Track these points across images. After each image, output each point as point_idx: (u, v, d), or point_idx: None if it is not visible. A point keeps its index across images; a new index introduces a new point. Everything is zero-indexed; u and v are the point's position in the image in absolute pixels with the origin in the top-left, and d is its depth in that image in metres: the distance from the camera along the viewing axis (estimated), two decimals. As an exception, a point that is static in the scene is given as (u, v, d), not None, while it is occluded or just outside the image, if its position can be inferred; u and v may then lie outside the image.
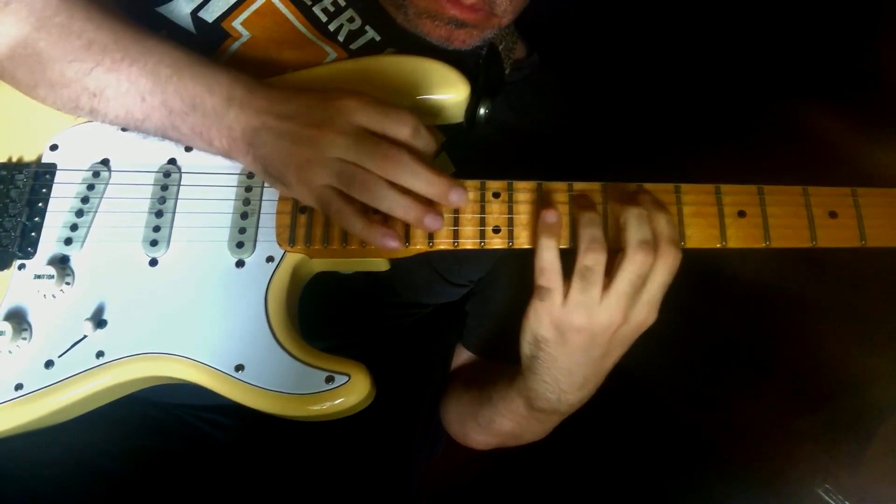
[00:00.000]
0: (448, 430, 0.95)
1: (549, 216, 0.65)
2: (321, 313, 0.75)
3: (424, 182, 0.62)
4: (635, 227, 0.63)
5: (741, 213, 0.67)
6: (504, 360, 0.88)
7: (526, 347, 0.69)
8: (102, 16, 0.69)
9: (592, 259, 0.62)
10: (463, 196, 0.63)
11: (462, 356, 0.95)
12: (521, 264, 0.86)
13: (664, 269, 0.63)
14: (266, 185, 0.71)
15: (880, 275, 0.98)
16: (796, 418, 1.15)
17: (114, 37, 0.68)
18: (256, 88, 0.66)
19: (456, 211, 0.68)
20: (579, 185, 0.68)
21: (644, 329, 0.66)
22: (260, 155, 0.65)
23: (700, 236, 0.67)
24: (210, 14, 0.80)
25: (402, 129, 0.63)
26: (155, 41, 0.68)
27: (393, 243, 0.63)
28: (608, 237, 0.65)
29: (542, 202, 0.67)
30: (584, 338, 0.65)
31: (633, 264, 0.62)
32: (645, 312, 0.64)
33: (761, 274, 0.94)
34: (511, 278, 0.88)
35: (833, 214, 0.67)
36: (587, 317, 0.63)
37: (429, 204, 0.63)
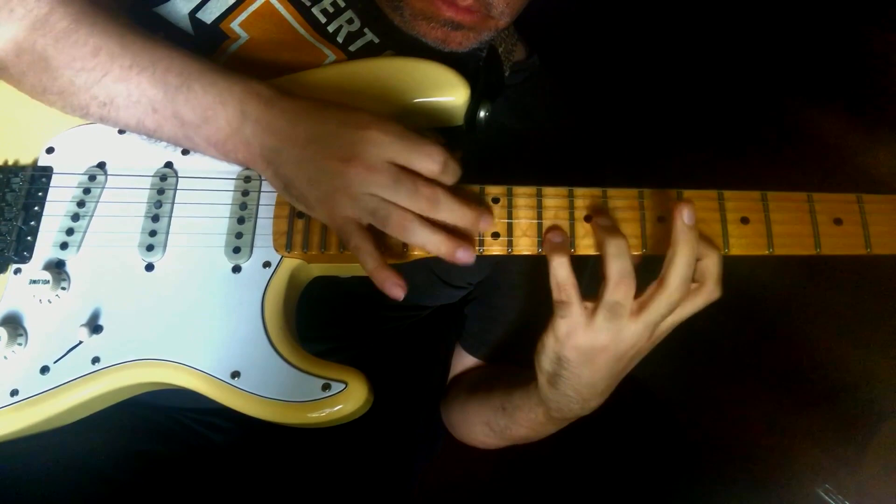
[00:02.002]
0: (453, 433, 0.94)
1: (555, 237, 0.66)
2: (319, 315, 0.75)
3: (458, 216, 0.63)
4: (682, 268, 0.61)
5: (744, 220, 0.66)
6: (514, 364, 0.88)
7: (547, 364, 0.68)
8: (108, 20, 0.68)
9: (622, 294, 0.61)
10: (491, 222, 0.65)
11: (464, 361, 0.94)
12: (523, 267, 0.86)
13: (702, 302, 0.63)
14: (264, 189, 0.70)
15: (880, 276, 0.98)
16: (796, 418, 1.15)
17: (121, 42, 0.67)
18: (271, 100, 0.65)
19: None
20: (579, 191, 0.67)
21: (662, 338, 0.67)
22: (281, 174, 0.65)
23: (701, 243, 0.66)
24: (208, 15, 0.79)
25: (432, 165, 0.62)
26: (163, 48, 0.67)
27: (399, 293, 0.63)
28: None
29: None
30: (609, 356, 0.65)
31: (668, 300, 0.62)
32: (669, 329, 0.65)
33: (762, 275, 0.94)
34: (515, 282, 0.88)
35: (838, 221, 0.66)
36: (614, 339, 0.63)
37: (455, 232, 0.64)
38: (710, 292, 0.63)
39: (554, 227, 0.66)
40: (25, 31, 0.67)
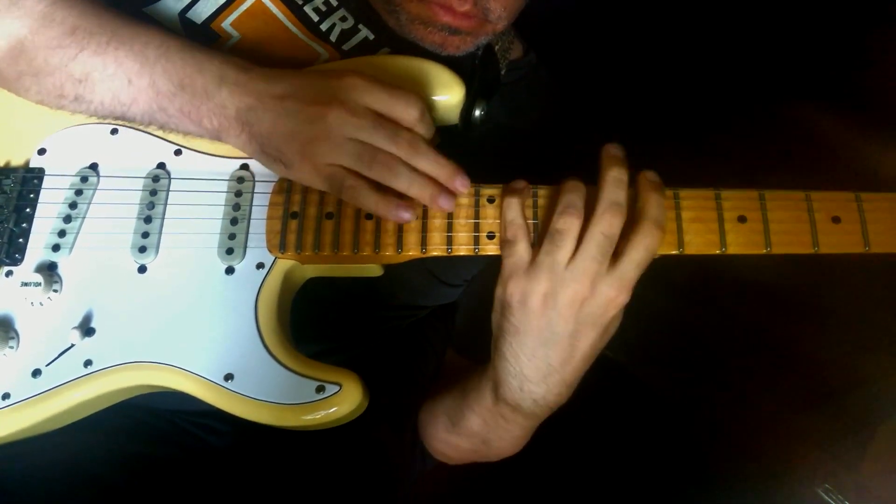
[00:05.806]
0: (422, 435, 0.88)
1: (518, 183, 0.66)
2: (317, 316, 0.74)
3: (436, 166, 0.64)
4: (609, 189, 0.61)
5: (741, 219, 0.65)
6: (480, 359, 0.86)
7: (494, 318, 0.67)
8: (85, 3, 0.68)
9: (565, 223, 0.61)
10: (466, 183, 0.65)
11: (451, 358, 0.93)
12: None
13: (641, 247, 0.61)
14: (257, 191, 0.70)
15: (882, 275, 0.97)
16: (796, 418, 1.15)
17: (98, 21, 0.67)
18: (250, 69, 0.65)
19: (449, 216, 0.67)
20: None
21: (614, 310, 0.62)
22: (256, 133, 0.64)
23: (699, 242, 0.65)
24: (198, 15, 0.78)
25: (411, 112, 0.63)
26: (142, 25, 0.68)
27: (407, 216, 0.64)
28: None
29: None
30: (548, 306, 0.62)
31: (599, 224, 0.60)
32: (615, 289, 0.61)
33: (764, 274, 0.94)
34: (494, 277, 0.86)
35: (836, 220, 0.65)
36: (551, 281, 0.61)
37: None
38: (644, 232, 0.61)
39: (520, 180, 0.67)
40: (2, 20, 0.66)
